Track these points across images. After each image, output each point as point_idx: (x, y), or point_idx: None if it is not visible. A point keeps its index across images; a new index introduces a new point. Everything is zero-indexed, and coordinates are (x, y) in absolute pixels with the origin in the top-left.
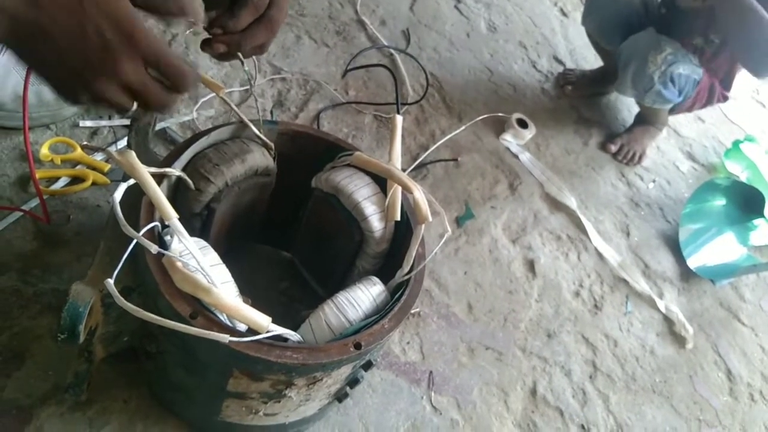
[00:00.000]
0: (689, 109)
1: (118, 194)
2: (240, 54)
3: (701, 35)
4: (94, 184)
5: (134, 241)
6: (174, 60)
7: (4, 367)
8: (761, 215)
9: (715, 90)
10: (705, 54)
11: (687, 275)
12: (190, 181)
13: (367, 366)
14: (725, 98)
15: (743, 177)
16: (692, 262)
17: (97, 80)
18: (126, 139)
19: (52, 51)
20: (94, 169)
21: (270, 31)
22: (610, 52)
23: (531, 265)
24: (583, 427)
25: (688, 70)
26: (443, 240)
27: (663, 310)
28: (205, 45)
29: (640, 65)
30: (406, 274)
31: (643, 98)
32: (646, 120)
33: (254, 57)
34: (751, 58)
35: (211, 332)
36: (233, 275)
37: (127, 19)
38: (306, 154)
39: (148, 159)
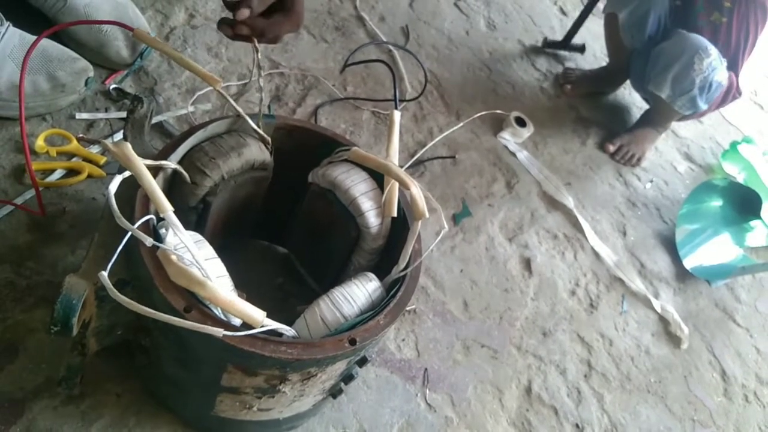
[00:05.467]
0: (702, 114)
1: (113, 186)
2: (256, 40)
3: (716, 7)
4: (89, 176)
5: (129, 234)
6: None
7: None
8: (757, 216)
9: (732, 88)
10: (721, 29)
11: (683, 275)
12: (186, 174)
13: (362, 362)
14: (740, 93)
15: (740, 178)
16: (688, 263)
17: None
18: (122, 131)
19: None
20: (89, 161)
21: (295, 24)
22: (623, 48)
23: (527, 264)
24: (577, 426)
25: (722, 77)
26: (439, 237)
27: (659, 310)
28: (224, 24)
29: (685, 67)
30: (402, 270)
31: (675, 100)
32: (652, 122)
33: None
34: None
35: (206, 326)
36: (228, 270)
37: None
38: (303, 148)
39: (144, 151)
